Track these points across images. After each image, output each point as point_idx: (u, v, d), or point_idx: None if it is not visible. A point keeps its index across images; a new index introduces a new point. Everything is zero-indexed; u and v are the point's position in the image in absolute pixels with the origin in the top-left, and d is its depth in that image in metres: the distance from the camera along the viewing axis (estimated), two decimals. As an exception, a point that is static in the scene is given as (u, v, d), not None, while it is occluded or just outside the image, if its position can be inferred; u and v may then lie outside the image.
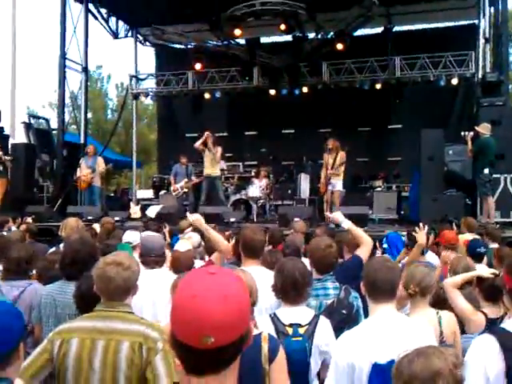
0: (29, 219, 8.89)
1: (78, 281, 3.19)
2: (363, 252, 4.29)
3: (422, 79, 14.36)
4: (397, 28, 15.20)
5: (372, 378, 2.53)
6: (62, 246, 5.56)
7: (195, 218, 4.63)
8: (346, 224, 4.60)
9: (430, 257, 5.62)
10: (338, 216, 4.77)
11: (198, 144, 12.00)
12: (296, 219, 8.12)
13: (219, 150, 11.93)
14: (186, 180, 12.62)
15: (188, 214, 5.44)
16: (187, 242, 5.18)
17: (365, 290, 2.84)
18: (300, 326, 3.01)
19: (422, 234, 4.81)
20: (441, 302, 3.60)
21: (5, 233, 7.03)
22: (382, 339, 2.60)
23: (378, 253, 5.69)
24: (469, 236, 6.17)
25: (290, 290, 3.12)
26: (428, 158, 9.82)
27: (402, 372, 1.68)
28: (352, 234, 4.57)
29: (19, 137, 15.24)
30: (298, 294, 3.12)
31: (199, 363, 1.24)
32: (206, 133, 11.94)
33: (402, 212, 12.14)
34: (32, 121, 16.05)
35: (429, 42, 14.81)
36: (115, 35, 17.64)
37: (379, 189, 13.82)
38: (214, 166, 11.95)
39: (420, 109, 14.97)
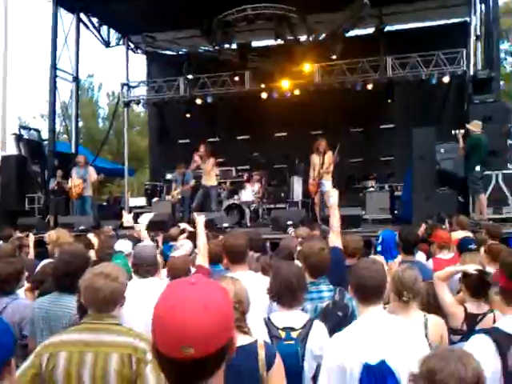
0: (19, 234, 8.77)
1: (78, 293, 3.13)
2: (336, 239, 4.39)
3: (413, 78, 14.37)
4: (388, 28, 15.28)
5: (363, 378, 2.54)
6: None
7: (199, 218, 4.65)
8: (334, 199, 4.62)
9: (420, 256, 5.64)
10: (334, 191, 4.75)
11: (193, 167, 12.07)
12: (289, 222, 8.12)
13: (211, 161, 11.91)
14: (181, 186, 12.58)
15: (195, 214, 5.47)
16: (182, 250, 5.20)
17: (353, 292, 2.87)
18: (293, 329, 3.01)
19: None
20: (429, 305, 3.62)
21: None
22: (372, 340, 2.61)
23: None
24: (461, 233, 6.16)
25: (286, 293, 3.13)
26: (419, 157, 9.82)
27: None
28: (332, 212, 4.57)
29: (10, 148, 15.21)
30: (294, 298, 3.12)
31: (181, 374, 1.23)
32: (195, 154, 11.88)
33: (396, 212, 12.14)
34: (23, 132, 15.98)
35: (420, 41, 14.85)
36: (107, 44, 17.65)
37: (371, 189, 13.82)
38: (208, 176, 11.92)
39: (412, 108, 15.04)
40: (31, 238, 7.11)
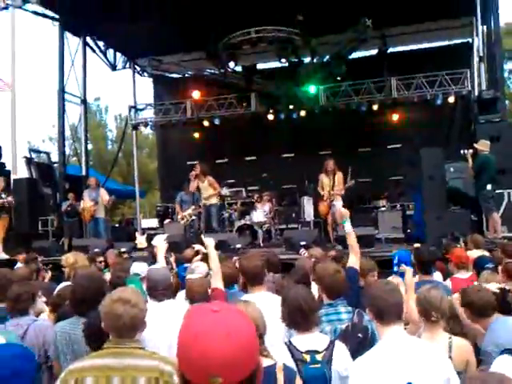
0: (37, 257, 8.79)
1: (87, 318, 3.15)
2: (354, 262, 4.35)
3: (418, 98, 14.46)
4: (391, 49, 15.42)
5: None
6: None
7: (209, 241, 4.60)
8: (348, 227, 4.56)
9: (437, 275, 5.59)
10: (345, 214, 4.68)
11: (192, 187, 12.07)
12: (302, 242, 8.14)
13: (209, 179, 11.90)
14: (193, 207, 12.57)
15: (203, 236, 5.44)
16: (197, 274, 5.19)
17: (372, 315, 2.85)
18: (317, 352, 2.99)
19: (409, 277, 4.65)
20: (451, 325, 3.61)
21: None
22: (397, 363, 2.59)
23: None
24: (477, 253, 6.15)
25: (298, 317, 3.11)
26: (429, 177, 9.83)
27: None
28: (349, 238, 4.53)
29: (21, 172, 15.33)
30: (307, 321, 3.11)
31: None
32: (192, 173, 11.93)
33: (408, 230, 12.12)
34: (33, 155, 16.15)
35: (424, 62, 15.00)
36: (113, 67, 17.90)
37: (383, 208, 13.84)
38: (207, 195, 11.94)
39: (418, 128, 15.07)
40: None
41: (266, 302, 3.41)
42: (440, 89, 14.25)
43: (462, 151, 10.31)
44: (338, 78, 14.26)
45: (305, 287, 3.57)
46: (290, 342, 3.09)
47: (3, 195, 11.37)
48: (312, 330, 3.12)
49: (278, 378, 2.51)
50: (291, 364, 2.86)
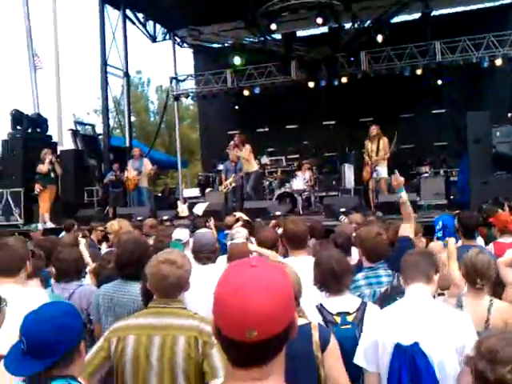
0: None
1: (142, 281, 3.18)
2: (407, 230, 4.17)
3: (463, 62, 13.98)
4: (435, 12, 14.85)
5: (394, 357, 2.55)
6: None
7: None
8: (404, 195, 4.32)
9: (479, 241, 5.48)
10: (401, 181, 4.43)
11: (232, 157, 12.18)
12: (342, 209, 8.11)
13: (247, 148, 11.95)
14: (234, 175, 12.68)
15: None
16: (240, 237, 5.26)
17: (402, 273, 2.87)
18: (348, 313, 3.01)
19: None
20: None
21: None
22: (409, 321, 2.60)
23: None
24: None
25: (330, 280, 3.12)
26: (475, 141, 9.59)
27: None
28: (404, 206, 4.31)
29: (67, 143, 15.73)
30: (339, 283, 3.11)
31: (243, 356, 1.23)
32: (230, 143, 12.03)
33: (452, 197, 11.89)
34: (78, 127, 16.52)
35: (469, 24, 14.41)
36: (153, 39, 17.96)
37: (426, 175, 13.56)
38: (247, 163, 12.01)
39: (463, 92, 14.61)
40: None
41: (306, 266, 3.43)
42: (486, 51, 13.72)
43: (508, 114, 9.97)
44: (380, 42, 13.87)
45: (338, 250, 3.56)
46: (321, 304, 3.11)
47: (50, 167, 11.76)
48: (343, 292, 3.14)
49: (313, 335, 2.54)
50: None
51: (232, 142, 12.00)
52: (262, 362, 1.24)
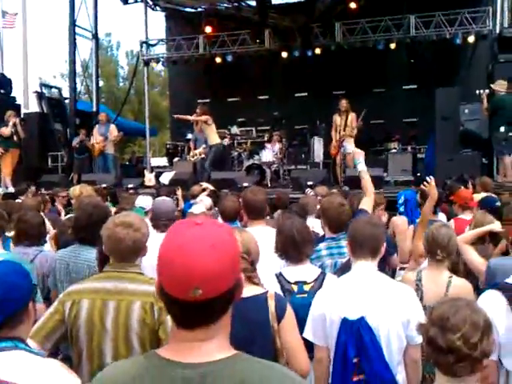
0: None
1: (98, 245, 3.12)
2: (367, 203, 4.16)
3: (437, 37, 13.94)
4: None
5: (341, 331, 2.57)
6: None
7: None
8: (362, 166, 4.33)
9: (441, 216, 5.52)
10: (360, 154, 4.45)
11: (198, 129, 12.01)
12: (309, 183, 8.11)
13: (203, 118, 11.36)
14: (204, 146, 12.48)
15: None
16: (201, 205, 5.22)
17: (348, 246, 2.86)
18: (305, 283, 3.02)
19: (433, 188, 4.52)
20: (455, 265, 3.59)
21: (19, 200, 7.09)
22: (355, 295, 2.62)
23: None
24: (484, 195, 6.07)
25: (290, 249, 3.13)
26: (443, 118, 9.66)
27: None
28: (363, 179, 4.33)
29: (32, 106, 15.30)
30: (299, 252, 3.12)
31: (188, 316, 1.22)
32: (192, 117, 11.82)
33: (418, 174, 12.00)
34: (44, 90, 16.02)
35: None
36: (125, 0, 17.41)
37: (394, 151, 13.64)
38: (208, 136, 11.58)
39: (435, 68, 14.64)
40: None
41: (263, 235, 3.40)
42: (460, 28, 13.70)
43: (477, 92, 10.04)
44: (353, 9, 13.67)
45: (301, 219, 3.55)
46: (280, 273, 3.12)
47: (13, 129, 11.41)
48: (303, 261, 3.15)
49: (269, 305, 2.52)
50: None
51: (194, 115, 11.72)
52: (206, 323, 1.23)
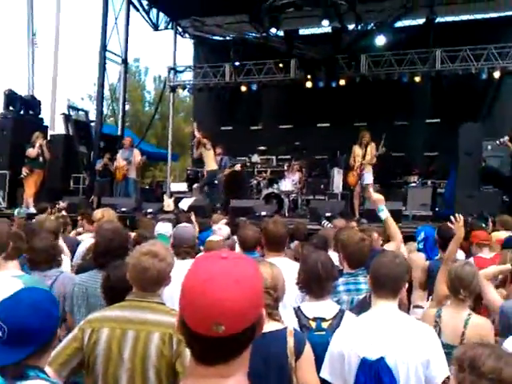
0: (62, 204, 8.96)
1: (106, 271, 3.12)
2: (391, 247, 4.14)
3: (462, 72, 13.96)
4: (439, 19, 14.86)
5: (359, 372, 2.53)
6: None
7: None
8: (385, 214, 4.20)
9: (459, 254, 5.41)
10: (380, 199, 4.30)
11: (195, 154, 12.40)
12: (327, 214, 8.10)
13: (205, 140, 11.95)
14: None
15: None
16: (220, 234, 5.26)
17: (370, 284, 2.82)
18: (324, 320, 2.97)
19: (461, 227, 4.35)
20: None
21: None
22: (375, 335, 2.58)
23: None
24: (505, 234, 6.00)
25: (313, 283, 3.08)
26: (465, 153, 9.59)
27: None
28: (387, 225, 4.25)
29: (58, 128, 15.58)
30: (321, 288, 3.07)
31: (208, 352, 1.19)
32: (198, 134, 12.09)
33: (437, 208, 11.89)
34: (71, 112, 16.36)
35: (471, 34, 14.38)
36: (155, 27, 17.80)
37: (413, 184, 13.56)
38: (206, 161, 12.08)
39: (459, 103, 14.62)
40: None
41: (282, 267, 3.39)
42: (486, 63, 13.73)
43: (496, 142, 9.97)
44: (380, 45, 13.80)
45: (326, 254, 3.51)
46: (298, 307, 3.08)
47: (39, 151, 11.64)
48: (324, 297, 3.09)
49: (288, 341, 2.52)
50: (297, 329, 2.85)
51: (195, 139, 11.96)
52: (226, 359, 1.20)
